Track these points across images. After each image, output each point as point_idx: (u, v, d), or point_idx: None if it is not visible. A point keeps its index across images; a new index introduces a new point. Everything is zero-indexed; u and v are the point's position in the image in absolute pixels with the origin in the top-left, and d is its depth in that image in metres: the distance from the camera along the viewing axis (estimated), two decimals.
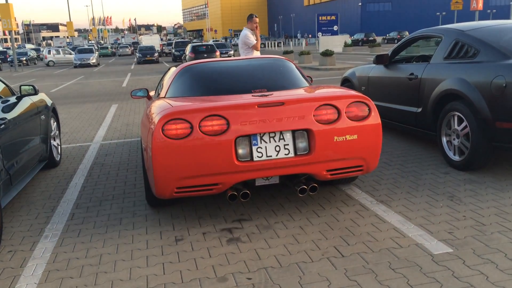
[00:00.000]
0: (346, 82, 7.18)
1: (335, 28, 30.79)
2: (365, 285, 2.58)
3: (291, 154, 3.40)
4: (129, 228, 3.60)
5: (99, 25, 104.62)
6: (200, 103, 3.53)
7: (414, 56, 6.14)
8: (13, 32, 34.28)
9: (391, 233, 3.23)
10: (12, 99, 4.61)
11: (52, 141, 5.55)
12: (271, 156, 3.37)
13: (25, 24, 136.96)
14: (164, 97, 4.16)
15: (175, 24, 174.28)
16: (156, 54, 33.63)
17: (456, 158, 4.62)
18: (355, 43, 45.37)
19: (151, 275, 2.83)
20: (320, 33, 30.89)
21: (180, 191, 3.42)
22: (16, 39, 36.48)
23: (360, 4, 66.82)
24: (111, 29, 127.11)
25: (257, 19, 7.81)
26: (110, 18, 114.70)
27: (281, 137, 3.39)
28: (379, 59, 6.12)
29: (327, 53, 19.88)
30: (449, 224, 3.33)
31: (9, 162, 3.90)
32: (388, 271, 2.71)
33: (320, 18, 31.14)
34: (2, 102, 4.32)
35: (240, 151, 3.34)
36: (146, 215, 3.85)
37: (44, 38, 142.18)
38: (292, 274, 2.74)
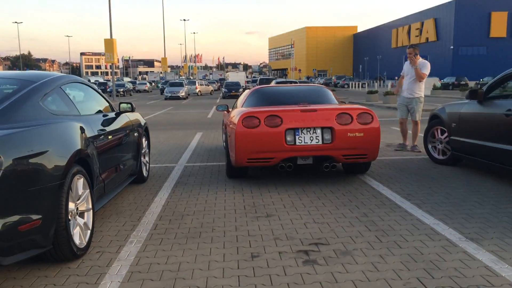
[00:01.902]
0: (435, 118, 6.91)
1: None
2: None
3: (320, 142, 5.27)
4: (207, 241, 3.68)
5: (190, 62, 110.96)
6: (265, 108, 5.61)
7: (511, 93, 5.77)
8: (114, 65, 37.51)
9: (482, 271, 2.98)
10: (111, 115, 5.00)
11: (142, 158, 5.89)
12: (307, 142, 5.27)
13: (125, 60, 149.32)
14: (242, 107, 6.32)
15: (260, 63, 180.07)
16: (240, 90, 34.82)
17: None
18: (445, 86, 43.66)
19: (227, 286, 2.85)
20: None
21: (250, 161, 5.40)
22: (116, 73, 40.10)
23: (452, 47, 64.57)
24: (201, 66, 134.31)
25: (409, 50, 8.00)
26: (201, 56, 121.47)
27: (314, 131, 5.29)
28: (472, 95, 5.84)
29: None
30: None
31: (104, 171, 4.21)
32: None
33: None
34: (103, 116, 4.70)
35: (288, 138, 5.26)
36: (224, 231, 3.92)
37: (140, 73, 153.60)
38: None
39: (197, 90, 39.09)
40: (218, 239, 3.74)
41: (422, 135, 7.50)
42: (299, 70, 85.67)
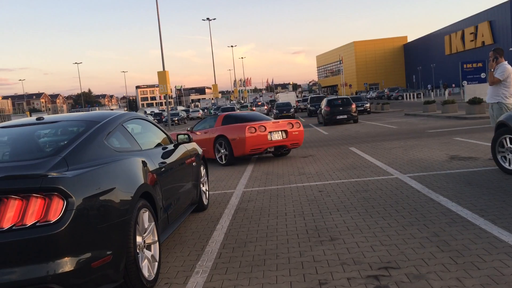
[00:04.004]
0: (502, 127, 6.52)
1: (483, 75, 28.60)
2: None
3: (281, 138, 10.48)
4: (272, 269, 3.63)
5: (240, 86, 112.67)
6: (253, 123, 10.46)
7: None
8: (167, 96, 38.83)
9: None
10: (170, 147, 5.13)
11: (201, 186, 5.98)
12: (277, 139, 10.44)
13: (177, 89, 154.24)
14: (221, 126, 10.99)
15: (310, 82, 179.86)
16: (292, 110, 34.84)
17: None
18: None
19: None
20: (465, 82, 28.99)
21: (251, 151, 10.20)
22: (169, 102, 41.74)
23: (511, 49, 61.45)
24: (250, 89, 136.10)
25: (490, 53, 7.78)
26: (250, 79, 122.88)
27: (279, 132, 10.44)
28: None
29: (475, 101, 18.45)
30: None
31: (167, 202, 4.30)
32: None
33: (464, 66, 29.35)
34: (163, 149, 4.83)
35: (268, 137, 10.27)
36: (288, 258, 3.86)
37: (192, 101, 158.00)
38: None
39: (265, 109, 49.06)
40: (283, 266, 3.68)
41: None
42: (350, 85, 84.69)
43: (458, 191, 5.68)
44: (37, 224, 2.57)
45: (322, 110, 23.20)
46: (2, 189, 2.59)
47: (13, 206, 2.57)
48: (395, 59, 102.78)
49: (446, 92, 43.46)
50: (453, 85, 59.85)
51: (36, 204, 2.60)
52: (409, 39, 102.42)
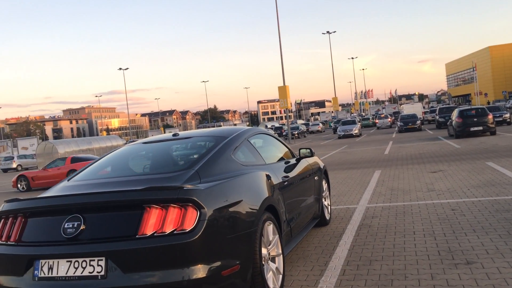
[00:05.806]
0: None
1: None
2: None
3: None
4: None
5: (361, 98, 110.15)
6: None
7: None
8: (287, 110, 39.58)
9: None
10: (293, 161, 5.19)
11: (323, 200, 5.93)
12: None
13: (297, 103, 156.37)
14: (70, 164, 17.24)
15: (438, 91, 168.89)
16: (418, 122, 32.98)
17: None
18: None
19: None
20: None
21: None
22: (289, 116, 42.54)
23: None
24: (372, 101, 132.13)
25: None
26: (372, 91, 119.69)
27: None
28: None
29: None
30: None
31: (290, 215, 4.34)
32: None
33: None
34: (285, 163, 4.91)
35: None
36: (419, 280, 3.62)
37: (312, 114, 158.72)
38: None
39: (389, 121, 46.07)
40: None
41: None
42: (485, 94, 77.42)
43: None
44: (175, 232, 2.79)
45: (453, 122, 21.52)
46: (146, 199, 2.86)
47: (155, 215, 2.82)
48: None
49: None
50: None
51: (173, 213, 2.82)
52: None
